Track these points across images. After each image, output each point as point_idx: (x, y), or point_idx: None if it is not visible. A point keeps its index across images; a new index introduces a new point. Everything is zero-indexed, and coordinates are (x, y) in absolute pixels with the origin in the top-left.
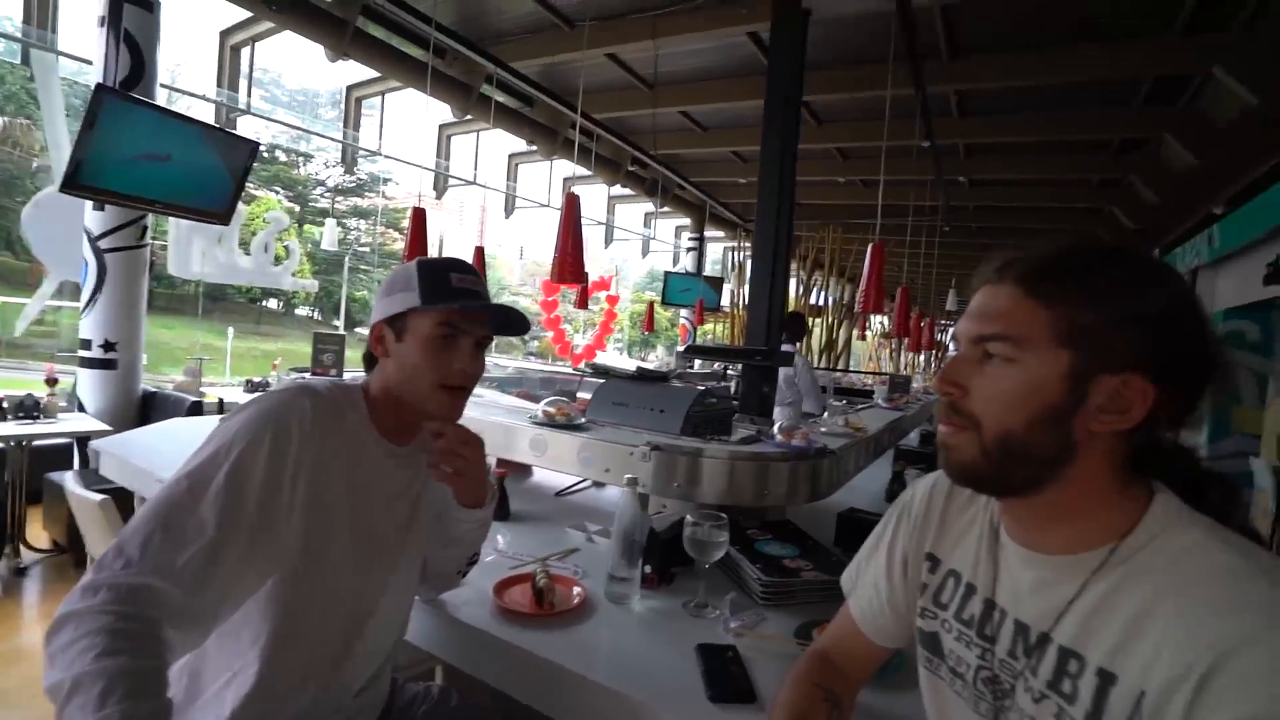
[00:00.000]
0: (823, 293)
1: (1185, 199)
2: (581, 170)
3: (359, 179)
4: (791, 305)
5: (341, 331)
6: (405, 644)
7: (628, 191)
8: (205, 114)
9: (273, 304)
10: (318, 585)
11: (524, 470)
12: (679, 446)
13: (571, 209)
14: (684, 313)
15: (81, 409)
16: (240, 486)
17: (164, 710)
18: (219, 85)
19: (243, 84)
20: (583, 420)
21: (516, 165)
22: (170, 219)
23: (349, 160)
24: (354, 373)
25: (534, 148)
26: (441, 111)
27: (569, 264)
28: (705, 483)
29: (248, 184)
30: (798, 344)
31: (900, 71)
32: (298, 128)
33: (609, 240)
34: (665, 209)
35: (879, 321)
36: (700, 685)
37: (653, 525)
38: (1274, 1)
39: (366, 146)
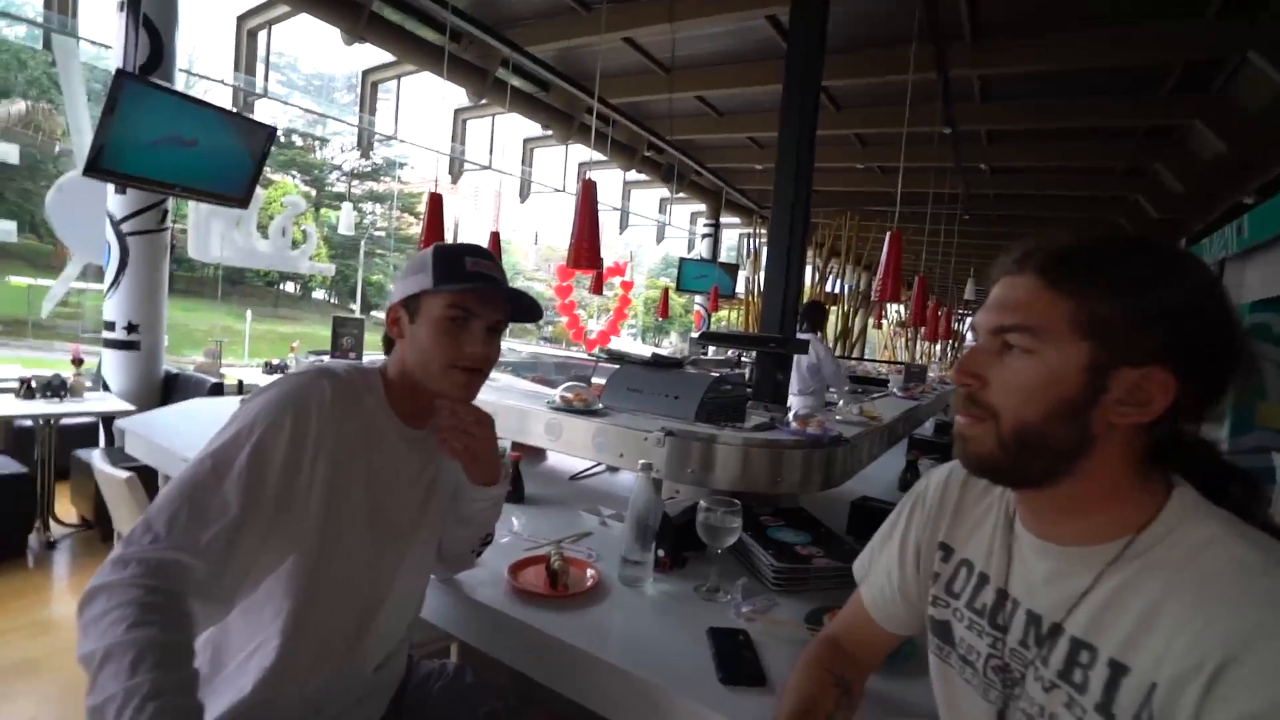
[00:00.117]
0: (839, 280)
1: (1213, 188)
2: (597, 155)
3: (375, 163)
4: (807, 293)
5: (355, 316)
6: (421, 622)
7: (643, 177)
8: (222, 98)
9: (290, 287)
10: (335, 565)
11: (538, 454)
12: (693, 432)
13: (588, 195)
14: (698, 299)
15: (106, 389)
16: (261, 467)
17: (191, 680)
18: (236, 69)
19: (259, 68)
20: (600, 406)
21: (532, 150)
22: (190, 203)
23: (365, 144)
24: (372, 355)
25: (549, 132)
26: (457, 96)
27: (585, 250)
28: (719, 469)
29: (265, 168)
30: (818, 332)
31: (922, 55)
32: (314, 112)
33: (624, 226)
34: (681, 195)
35: (895, 310)
36: (711, 668)
37: (666, 510)
38: None
39: (382, 131)
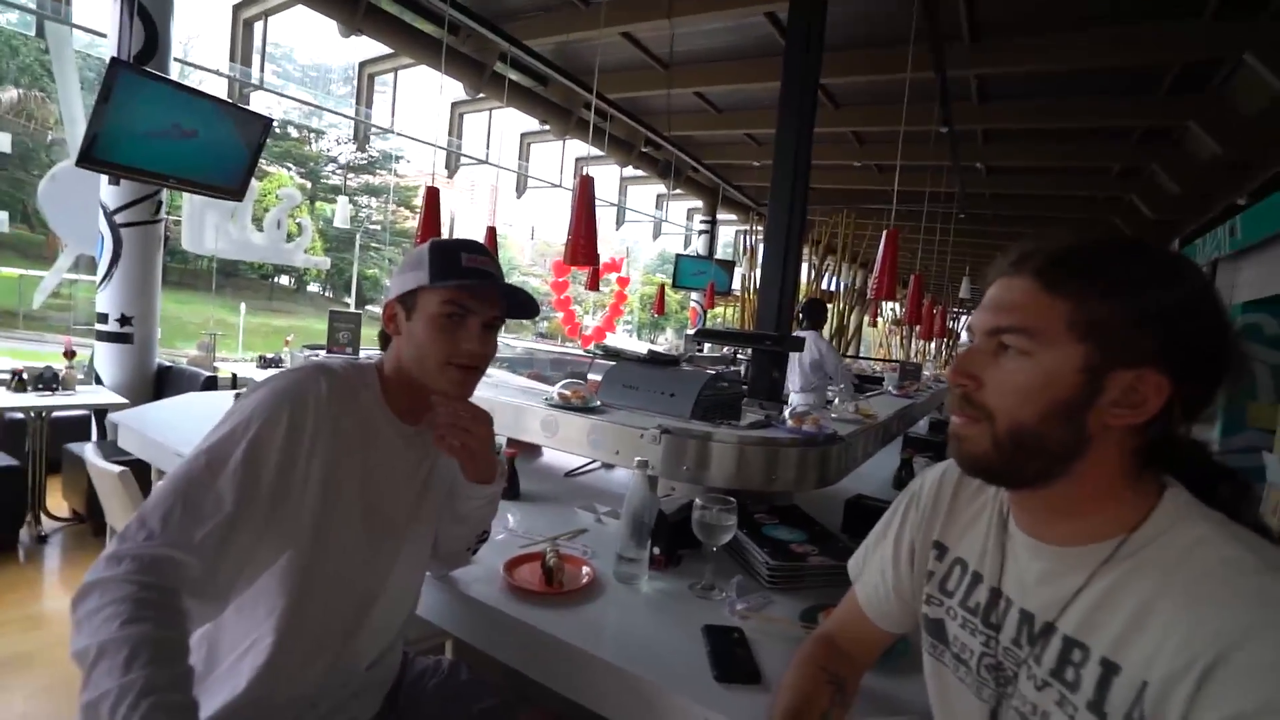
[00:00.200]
0: (835, 278)
1: (1208, 189)
2: (594, 150)
3: (370, 156)
4: (803, 290)
5: (352, 310)
6: (416, 618)
7: (640, 173)
8: (218, 89)
9: (284, 280)
10: (330, 561)
11: (534, 450)
12: (689, 430)
13: (586, 191)
14: (694, 296)
15: (99, 382)
16: (257, 463)
17: (185, 676)
18: (231, 60)
19: (255, 59)
20: (599, 403)
21: (529, 145)
22: (184, 194)
23: (361, 137)
24: (369, 351)
25: (547, 127)
26: (454, 89)
27: (582, 246)
28: (714, 466)
29: (260, 160)
30: (818, 330)
31: (920, 54)
32: (311, 104)
33: (620, 222)
34: (678, 191)
35: (890, 308)
36: (706, 665)
37: (661, 508)
38: None
39: (379, 124)
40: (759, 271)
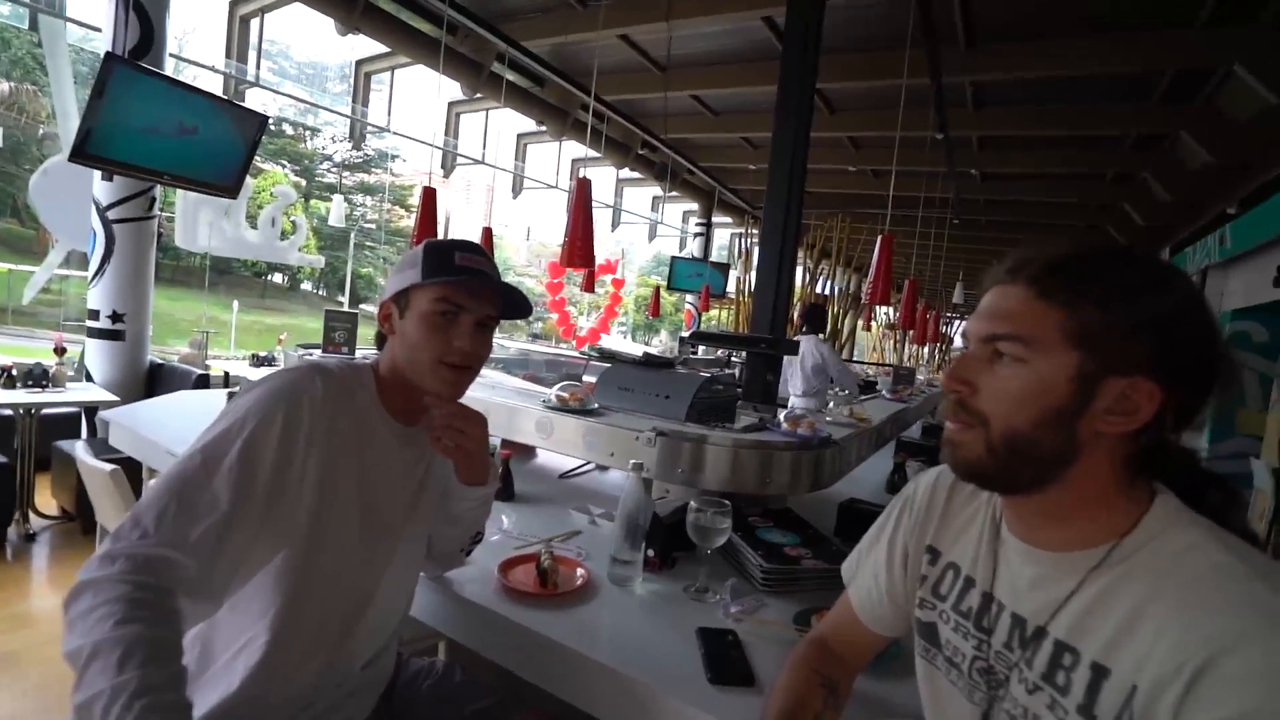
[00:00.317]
0: (829, 282)
1: (1198, 197)
2: (591, 152)
3: (366, 155)
4: (797, 293)
5: (348, 310)
6: (410, 619)
7: (636, 175)
8: (213, 85)
9: (278, 278)
10: (325, 561)
11: (528, 452)
12: (684, 433)
13: (583, 194)
14: (689, 298)
15: (89, 379)
16: (252, 463)
17: (179, 676)
18: (227, 56)
19: (251, 55)
20: (596, 406)
21: (525, 145)
22: (178, 191)
23: (357, 136)
24: (365, 351)
25: (543, 128)
26: (451, 89)
27: (579, 248)
28: (709, 469)
29: (255, 157)
30: (819, 334)
31: (916, 60)
32: (307, 102)
33: (616, 223)
34: (674, 193)
35: (884, 313)
36: (700, 667)
37: (656, 510)
38: None
39: (375, 122)
40: (754, 274)
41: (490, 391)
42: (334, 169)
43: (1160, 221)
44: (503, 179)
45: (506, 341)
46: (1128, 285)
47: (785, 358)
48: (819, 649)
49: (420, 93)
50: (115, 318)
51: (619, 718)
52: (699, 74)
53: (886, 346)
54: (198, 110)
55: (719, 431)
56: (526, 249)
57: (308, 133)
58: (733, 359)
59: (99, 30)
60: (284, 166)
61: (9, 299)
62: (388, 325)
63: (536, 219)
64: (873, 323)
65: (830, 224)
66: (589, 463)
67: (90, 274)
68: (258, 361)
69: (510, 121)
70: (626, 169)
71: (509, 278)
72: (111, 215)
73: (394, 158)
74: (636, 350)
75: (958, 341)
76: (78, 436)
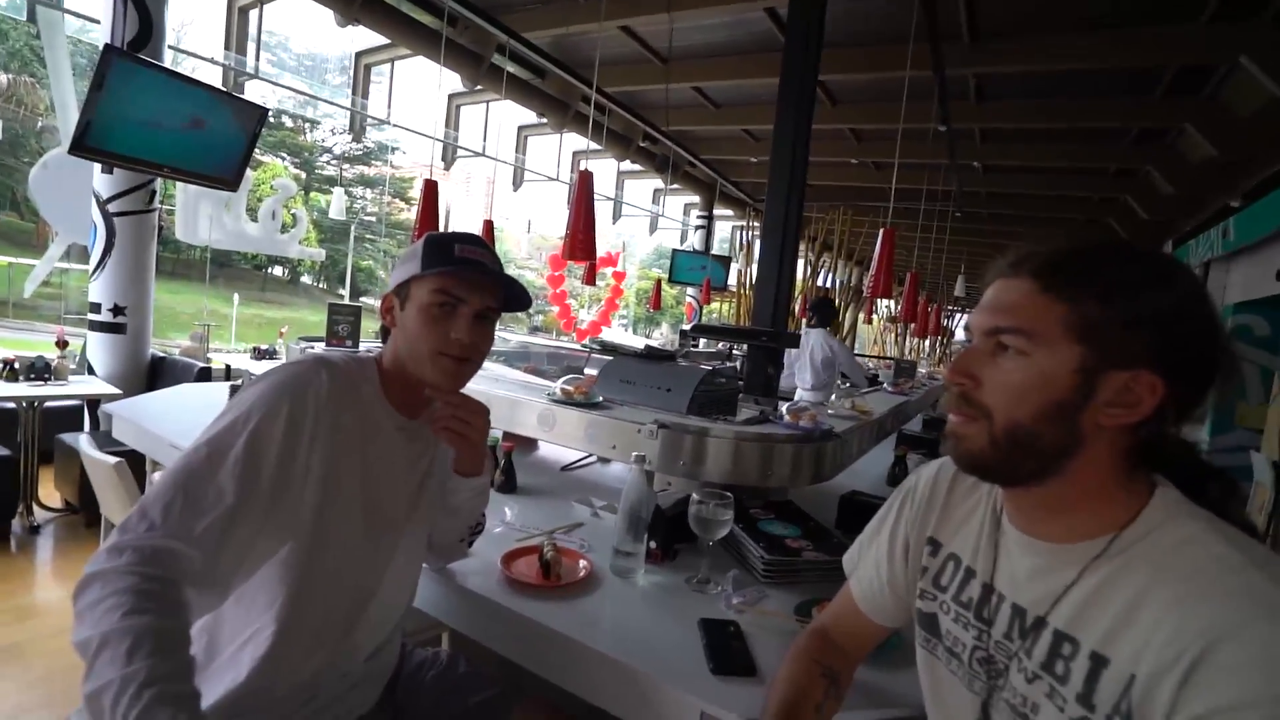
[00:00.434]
0: (831, 275)
1: (1202, 191)
2: (592, 144)
3: (366, 147)
4: (798, 286)
5: (348, 302)
6: (414, 610)
7: (637, 167)
8: (212, 77)
9: (278, 271)
10: (329, 554)
11: (530, 444)
12: (685, 425)
13: (585, 187)
14: (690, 291)
15: (91, 372)
16: (257, 456)
17: (187, 666)
18: (226, 48)
19: (250, 47)
20: (601, 399)
21: (526, 137)
22: (178, 184)
23: (357, 128)
24: (369, 344)
25: (544, 120)
26: (451, 81)
27: (580, 241)
28: (710, 462)
29: (254, 149)
30: (828, 328)
31: (919, 53)
32: (306, 94)
33: (617, 216)
34: (675, 186)
35: (886, 306)
36: (702, 658)
37: (658, 502)
38: None
39: (375, 114)
40: (755, 268)
41: (492, 384)
42: (334, 161)
43: (1163, 215)
44: (503, 171)
45: (507, 334)
46: (1130, 280)
47: (793, 351)
48: (820, 640)
49: (420, 85)
50: (117, 311)
51: (622, 708)
52: (700, 66)
53: (888, 340)
54: (198, 103)
55: (721, 424)
56: (527, 242)
57: (307, 125)
58: (734, 352)
59: (97, 22)
60: (284, 159)
61: (9, 292)
62: (390, 318)
63: (537, 212)
64: (874, 316)
65: (832, 217)
66: (590, 455)
67: (91, 267)
68: (259, 355)
69: (511, 114)
70: (627, 161)
71: (510, 270)
72: (112, 208)
73: (394, 150)
74: (638, 343)
75: (959, 335)
76: (80, 429)
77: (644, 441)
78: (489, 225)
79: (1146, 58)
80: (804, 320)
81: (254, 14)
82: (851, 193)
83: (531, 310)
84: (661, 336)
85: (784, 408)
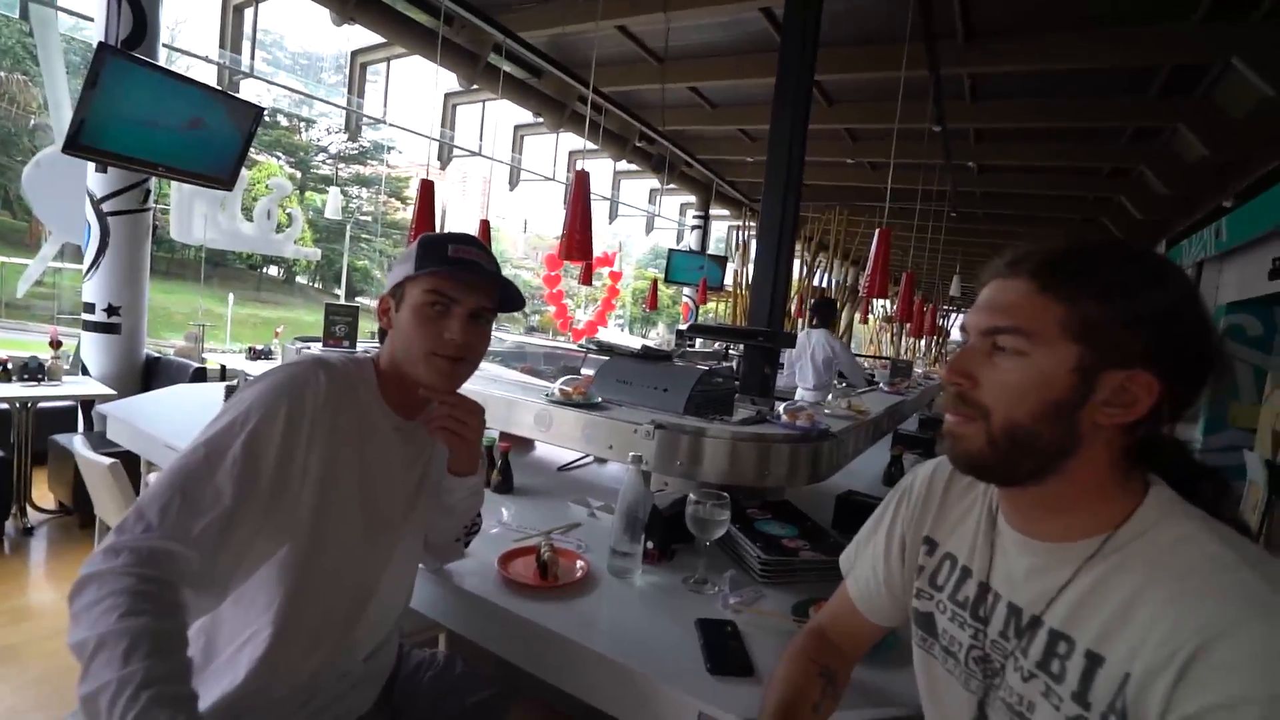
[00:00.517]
0: (826, 275)
1: (1195, 191)
2: (588, 144)
3: (362, 146)
4: (794, 286)
5: (344, 302)
6: (411, 611)
7: (634, 167)
8: (207, 76)
9: (273, 271)
10: (327, 555)
11: (526, 444)
12: (682, 425)
13: (582, 187)
14: (687, 291)
15: (85, 372)
16: (255, 457)
17: (185, 668)
18: (221, 46)
19: (245, 45)
20: (599, 400)
21: (522, 137)
22: (172, 183)
23: (353, 127)
24: (366, 345)
25: (540, 120)
26: (448, 80)
27: (577, 242)
28: (707, 462)
29: (250, 149)
30: (828, 328)
31: (914, 53)
32: (302, 92)
33: (613, 216)
34: (671, 186)
35: (881, 305)
36: (700, 658)
37: (655, 502)
38: None
39: (371, 114)
40: (751, 267)
41: (489, 384)
42: (329, 161)
43: (1157, 215)
44: (500, 171)
45: (503, 334)
46: (1127, 280)
47: (793, 352)
48: (817, 639)
49: (416, 84)
50: (111, 311)
51: (619, 708)
52: (697, 65)
53: (884, 339)
54: (192, 101)
55: (717, 424)
56: (523, 241)
57: (303, 124)
58: (730, 352)
59: (90, 20)
60: (279, 158)
61: (1, 292)
62: (386, 319)
63: (533, 211)
64: (870, 315)
65: (828, 217)
66: (587, 455)
67: (85, 267)
68: (255, 355)
69: (507, 113)
70: (624, 161)
71: (506, 270)
72: (106, 208)
73: (390, 149)
74: (634, 343)
75: (954, 334)
76: (74, 430)
77: (641, 442)
78: (485, 225)
79: (1140, 57)
80: (804, 320)
81: (249, 12)
82: (847, 193)
83: (528, 310)
84: (658, 336)
85: (781, 407)
